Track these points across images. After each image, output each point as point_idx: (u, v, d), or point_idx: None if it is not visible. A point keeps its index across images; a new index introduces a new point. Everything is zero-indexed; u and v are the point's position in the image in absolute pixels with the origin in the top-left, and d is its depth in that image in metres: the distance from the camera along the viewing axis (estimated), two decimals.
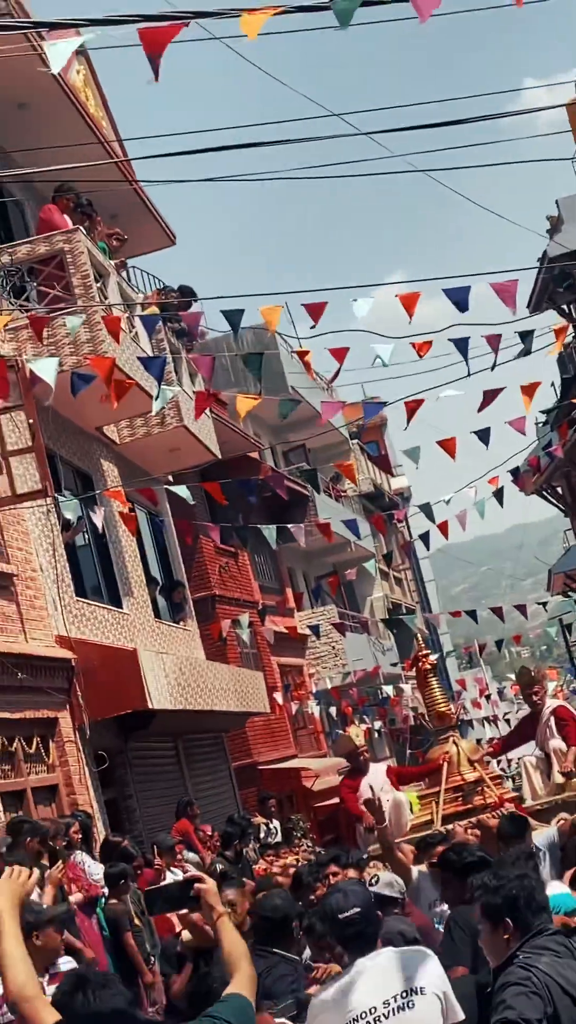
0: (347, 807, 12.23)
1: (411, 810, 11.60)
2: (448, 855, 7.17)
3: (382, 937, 5.35)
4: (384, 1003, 4.65)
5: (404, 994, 4.67)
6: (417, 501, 34.03)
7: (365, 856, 10.27)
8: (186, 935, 8.77)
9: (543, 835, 8.76)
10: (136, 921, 11.00)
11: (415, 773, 12.91)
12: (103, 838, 12.88)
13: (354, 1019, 4.66)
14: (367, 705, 32.77)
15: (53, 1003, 3.85)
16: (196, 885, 4.18)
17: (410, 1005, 4.64)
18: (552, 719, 12.42)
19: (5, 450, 12.42)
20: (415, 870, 8.57)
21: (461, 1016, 4.72)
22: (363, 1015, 4.65)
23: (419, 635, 19.34)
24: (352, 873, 9.26)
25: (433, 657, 13.36)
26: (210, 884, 4.21)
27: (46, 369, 10.68)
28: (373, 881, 7.56)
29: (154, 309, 16.96)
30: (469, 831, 9.43)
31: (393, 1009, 4.64)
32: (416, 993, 4.67)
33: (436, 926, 7.65)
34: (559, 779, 12.01)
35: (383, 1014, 4.63)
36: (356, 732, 12.85)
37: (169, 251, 23.13)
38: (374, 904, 5.02)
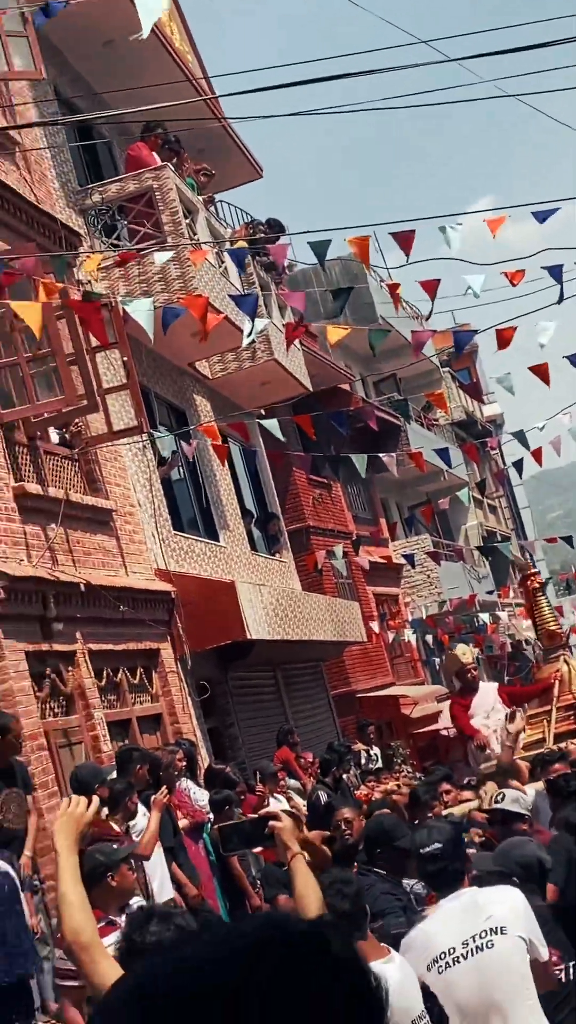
0: (459, 725, 12.15)
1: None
2: (557, 781, 7.20)
3: (505, 870, 5.41)
4: (463, 943, 4.63)
5: (484, 933, 4.62)
6: (510, 428, 33.83)
7: (477, 775, 10.26)
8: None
9: None
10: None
11: (527, 692, 12.65)
12: (207, 765, 13.19)
13: (434, 959, 4.66)
14: (463, 633, 32.83)
15: (121, 939, 3.76)
16: (271, 823, 4.04)
17: (489, 945, 4.60)
18: None
19: (101, 388, 12.62)
20: (531, 789, 8.51)
21: (545, 956, 4.70)
22: (443, 955, 4.64)
23: (527, 553, 19.24)
24: (467, 793, 9.34)
25: (543, 575, 13.23)
26: (285, 822, 4.07)
27: (140, 310, 10.82)
28: (499, 798, 7.54)
29: (243, 244, 16.98)
30: None
31: (472, 949, 4.61)
32: (496, 933, 4.62)
33: None
34: None
35: (462, 954, 4.62)
36: (464, 650, 12.67)
37: (256, 184, 23.06)
38: (459, 841, 4.98)
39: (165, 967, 1.05)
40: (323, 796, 12.72)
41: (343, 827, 8.26)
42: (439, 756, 25.18)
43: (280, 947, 1.05)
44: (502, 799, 7.48)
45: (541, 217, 10.57)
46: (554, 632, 12.36)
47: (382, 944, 4.64)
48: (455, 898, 4.78)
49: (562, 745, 10.02)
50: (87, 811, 3.77)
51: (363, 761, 18.01)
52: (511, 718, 9.12)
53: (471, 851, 6.52)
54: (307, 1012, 1.01)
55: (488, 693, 12.08)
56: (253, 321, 12.19)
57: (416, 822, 9.50)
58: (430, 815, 9.48)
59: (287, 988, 1.01)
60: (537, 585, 12.74)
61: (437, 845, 4.82)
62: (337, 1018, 1.02)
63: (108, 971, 3.52)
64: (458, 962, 4.60)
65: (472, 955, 4.59)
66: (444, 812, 9.59)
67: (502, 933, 4.61)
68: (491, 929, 4.62)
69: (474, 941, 4.60)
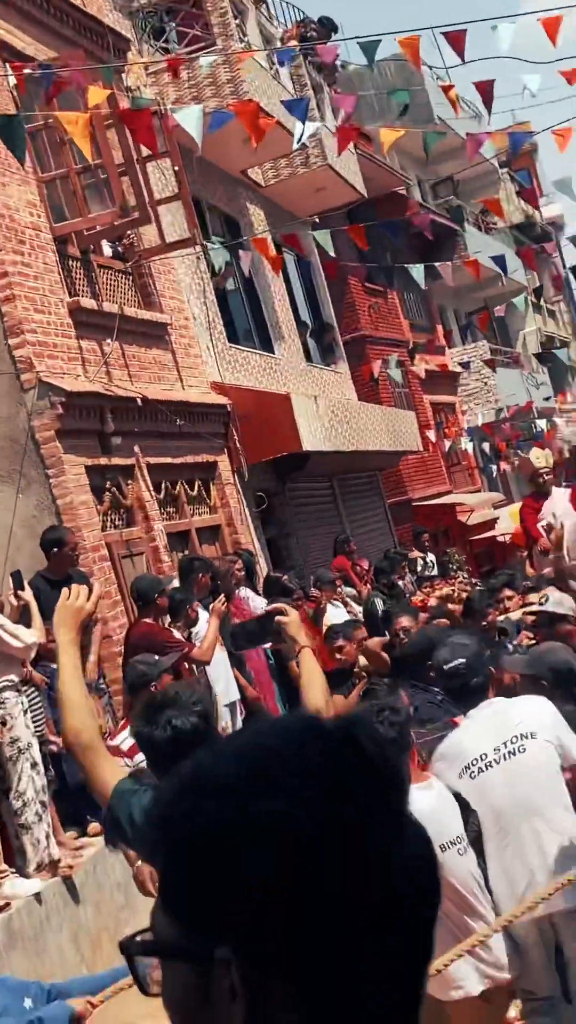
0: (526, 526, 12.03)
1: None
2: None
3: (537, 674, 5.50)
4: (495, 749, 4.74)
5: (515, 739, 4.74)
6: (572, 230, 33.01)
7: (541, 577, 10.16)
8: (362, 660, 9.30)
9: None
10: None
11: None
12: (265, 574, 13.46)
13: (466, 767, 4.76)
14: (521, 440, 32.76)
15: (133, 734, 3.64)
16: (277, 618, 3.99)
17: (521, 749, 4.72)
18: None
19: (152, 199, 12.48)
20: None
21: (572, 759, 4.77)
22: (475, 761, 4.75)
23: None
24: (533, 597, 9.36)
25: None
26: (292, 616, 4.02)
27: (189, 117, 10.62)
28: (543, 601, 7.57)
29: (294, 43, 16.49)
30: None
31: (504, 754, 4.72)
32: (527, 738, 4.74)
33: None
34: None
35: (494, 760, 4.73)
36: (538, 454, 12.26)
37: None
38: (481, 656, 5.04)
39: (217, 759, 1.12)
40: (380, 604, 12.97)
41: (401, 635, 8.48)
42: (495, 562, 25.52)
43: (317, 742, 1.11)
44: (546, 601, 7.52)
45: None
46: None
47: (424, 771, 4.79)
48: (484, 707, 4.90)
49: None
50: (87, 602, 3.57)
51: (419, 568, 18.25)
52: (548, 529, 8.95)
53: (513, 656, 6.65)
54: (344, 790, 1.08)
55: (561, 498, 11.67)
56: (304, 125, 11.93)
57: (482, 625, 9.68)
58: (484, 623, 9.67)
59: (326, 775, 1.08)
60: None
61: (461, 661, 4.90)
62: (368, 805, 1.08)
63: (109, 773, 3.51)
64: (490, 767, 4.72)
65: (505, 760, 4.72)
66: (500, 618, 9.74)
67: (532, 737, 4.74)
68: (521, 735, 4.75)
69: (505, 747, 4.73)
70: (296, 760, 1.08)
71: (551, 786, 4.74)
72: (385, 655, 8.51)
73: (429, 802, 4.36)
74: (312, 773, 1.07)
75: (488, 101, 11.55)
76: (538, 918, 4.60)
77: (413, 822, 1.12)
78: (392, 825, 1.09)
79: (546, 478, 12.00)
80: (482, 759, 4.75)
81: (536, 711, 4.91)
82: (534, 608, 7.79)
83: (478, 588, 13.22)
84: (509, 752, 4.73)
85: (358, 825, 1.06)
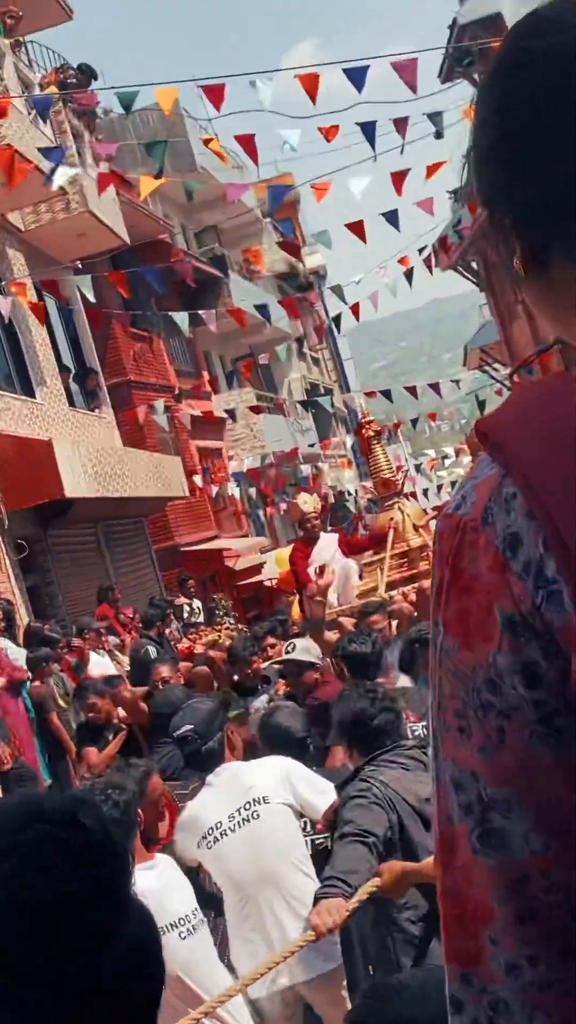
0: (296, 570, 12.05)
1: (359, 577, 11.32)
2: (339, 643, 6.93)
3: (269, 738, 5.40)
4: (230, 816, 4.68)
5: (248, 804, 4.68)
6: (333, 280, 33.81)
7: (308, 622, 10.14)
8: (122, 712, 9.16)
9: None
10: (60, 702, 11.41)
11: (365, 542, 12.48)
12: (26, 624, 13.19)
13: (203, 836, 4.70)
14: (287, 485, 33.18)
15: None
16: None
17: (255, 816, 4.66)
18: None
19: None
20: None
21: (319, 812, 4.75)
22: (211, 830, 4.69)
23: (347, 406, 19.19)
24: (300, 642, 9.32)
25: (377, 424, 12.77)
26: None
27: None
28: (289, 648, 7.52)
29: (53, 89, 16.40)
30: (408, 595, 9.29)
31: (239, 822, 4.66)
32: (260, 803, 4.69)
33: None
34: None
35: (229, 828, 4.66)
36: (305, 499, 12.37)
37: (68, 27, 22.13)
38: (215, 721, 4.97)
39: None
40: (152, 651, 12.85)
41: (160, 686, 8.42)
42: (262, 607, 25.69)
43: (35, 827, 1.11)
44: (292, 649, 7.49)
45: (354, 76, 10.44)
46: (389, 480, 11.93)
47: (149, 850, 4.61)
48: (220, 772, 4.84)
49: (392, 594, 9.90)
50: None
51: (185, 614, 18.23)
52: (320, 572, 9.06)
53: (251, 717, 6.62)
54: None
55: (328, 543, 11.83)
56: (60, 169, 11.84)
57: (236, 677, 9.70)
58: (249, 670, 9.66)
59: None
60: (372, 433, 12.31)
61: (189, 727, 4.85)
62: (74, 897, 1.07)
63: None
64: (226, 835, 4.65)
65: (240, 827, 4.65)
66: (263, 665, 9.74)
67: (265, 802, 4.68)
68: (255, 800, 4.69)
69: (240, 814, 4.67)
70: (7, 840, 1.09)
71: (288, 853, 4.67)
72: (144, 706, 8.42)
73: (150, 883, 4.17)
74: (27, 855, 1.07)
75: (252, 153, 11.71)
76: (282, 992, 4.52)
77: (137, 903, 1.13)
78: (110, 906, 1.09)
79: (315, 522, 12.06)
80: (217, 828, 4.68)
81: (268, 773, 4.83)
82: (282, 657, 7.77)
83: (244, 634, 13.21)
84: (243, 819, 4.66)
85: (73, 905, 1.06)
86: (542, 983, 1.04)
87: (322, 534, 12.22)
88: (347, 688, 5.00)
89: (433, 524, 11.85)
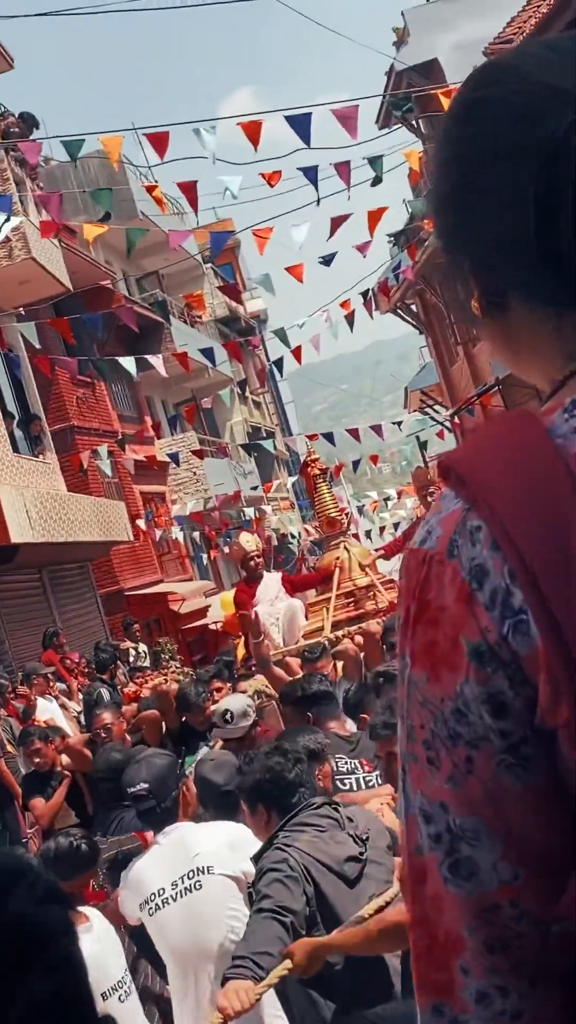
0: (244, 611, 11.72)
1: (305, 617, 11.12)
2: (287, 687, 6.79)
3: (199, 791, 5.23)
4: (172, 884, 4.56)
5: (191, 873, 4.54)
6: (274, 324, 34.05)
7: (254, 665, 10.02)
8: (65, 759, 9.13)
9: None
10: (8, 748, 11.36)
11: (309, 580, 12.35)
12: None
13: (145, 901, 4.59)
14: (230, 528, 33.21)
15: None
16: None
17: (197, 886, 4.52)
18: None
19: None
20: None
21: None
22: (153, 896, 4.57)
23: (289, 448, 19.33)
24: (244, 685, 9.29)
25: (323, 463, 12.75)
26: None
27: None
28: (228, 717, 7.03)
29: None
30: (353, 636, 9.10)
31: (181, 891, 4.53)
32: (204, 873, 4.54)
33: None
34: None
35: (171, 896, 4.54)
36: (248, 538, 12.29)
37: (8, 76, 22.27)
38: (169, 776, 4.85)
39: None
40: (105, 694, 12.78)
41: (102, 733, 8.41)
42: (207, 650, 25.67)
43: None
44: (231, 719, 7.02)
45: (297, 125, 10.62)
46: (334, 519, 11.85)
47: (82, 910, 4.52)
48: (167, 834, 4.72)
49: (338, 633, 9.73)
50: None
51: (131, 659, 18.19)
52: (252, 616, 8.91)
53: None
54: None
55: (272, 582, 11.65)
56: (6, 219, 11.91)
57: (185, 719, 9.64)
58: (201, 717, 9.60)
59: None
60: (318, 471, 12.28)
61: (143, 785, 4.73)
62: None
63: None
64: (167, 904, 4.52)
65: (182, 896, 4.52)
66: (211, 709, 9.67)
67: (209, 872, 4.54)
68: (198, 869, 4.54)
69: (183, 882, 4.54)
70: None
71: (227, 926, 4.51)
72: (87, 752, 8.39)
73: (88, 946, 4.10)
74: None
75: (193, 200, 11.84)
76: None
77: (60, 956, 1.13)
78: (47, 978, 1.10)
79: (258, 560, 11.93)
80: (160, 894, 4.55)
81: (215, 840, 4.66)
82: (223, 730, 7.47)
83: (192, 678, 13.13)
84: (185, 888, 4.52)
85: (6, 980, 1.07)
86: (513, 1013, 1.05)
87: (265, 573, 12.16)
88: (253, 752, 4.81)
89: (380, 563, 12.02)
